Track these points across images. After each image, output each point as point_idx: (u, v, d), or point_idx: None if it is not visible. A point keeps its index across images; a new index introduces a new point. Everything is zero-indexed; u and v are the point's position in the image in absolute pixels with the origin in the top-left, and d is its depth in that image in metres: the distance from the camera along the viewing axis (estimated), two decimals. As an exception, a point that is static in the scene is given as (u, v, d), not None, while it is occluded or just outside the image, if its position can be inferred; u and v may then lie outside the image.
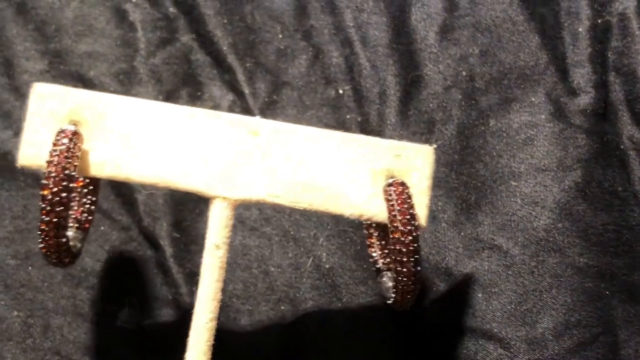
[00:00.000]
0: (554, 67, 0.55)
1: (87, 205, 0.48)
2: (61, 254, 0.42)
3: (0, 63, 0.57)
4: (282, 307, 0.51)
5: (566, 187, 0.52)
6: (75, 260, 0.45)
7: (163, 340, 0.51)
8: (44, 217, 0.40)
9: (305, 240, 0.53)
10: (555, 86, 0.55)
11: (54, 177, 0.40)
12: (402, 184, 0.42)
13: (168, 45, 0.58)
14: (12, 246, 0.52)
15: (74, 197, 0.48)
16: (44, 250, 0.42)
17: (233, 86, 0.57)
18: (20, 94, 0.56)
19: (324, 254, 0.52)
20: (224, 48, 0.57)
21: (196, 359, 0.41)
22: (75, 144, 0.41)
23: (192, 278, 0.51)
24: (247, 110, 0.55)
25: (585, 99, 0.54)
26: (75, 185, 0.48)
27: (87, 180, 0.49)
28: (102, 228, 0.53)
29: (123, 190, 0.54)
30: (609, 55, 0.56)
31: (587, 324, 0.48)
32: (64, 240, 0.42)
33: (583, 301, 0.49)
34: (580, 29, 0.56)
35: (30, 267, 0.52)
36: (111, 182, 0.53)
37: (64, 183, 0.40)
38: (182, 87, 0.57)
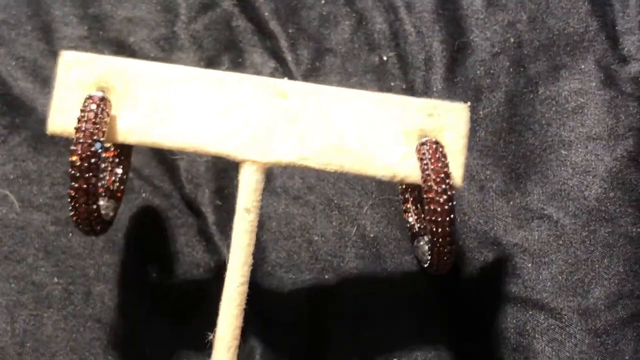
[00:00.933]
0: (603, 34, 0.54)
1: (119, 175, 0.48)
2: (92, 222, 0.42)
3: (39, 28, 0.56)
4: (326, 277, 0.50)
5: (618, 155, 0.50)
6: (108, 228, 0.45)
7: (204, 307, 0.50)
8: (73, 183, 0.40)
9: (349, 209, 0.52)
10: (605, 53, 0.54)
11: (82, 143, 0.40)
12: (436, 142, 0.41)
13: (209, 11, 0.57)
14: (52, 212, 0.52)
15: (106, 166, 0.48)
16: (74, 218, 0.41)
17: (275, 53, 0.56)
18: (60, 59, 0.55)
19: (368, 223, 0.51)
20: (266, 14, 0.56)
21: (228, 322, 0.41)
22: (103, 110, 0.41)
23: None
24: (289, 77, 0.54)
25: (636, 67, 0.53)
26: (106, 154, 0.48)
27: (119, 150, 0.49)
28: (144, 195, 0.52)
29: (165, 157, 0.53)
30: (660, 22, 0.54)
31: (640, 295, 0.47)
32: (94, 207, 0.41)
33: (636, 271, 0.48)
34: (630, -4, 0.55)
35: (70, 234, 0.51)
36: (153, 148, 0.52)
37: (92, 149, 0.40)
38: (224, 54, 0.56)
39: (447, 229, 0.40)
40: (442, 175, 0.40)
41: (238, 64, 0.56)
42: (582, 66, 0.53)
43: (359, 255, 0.51)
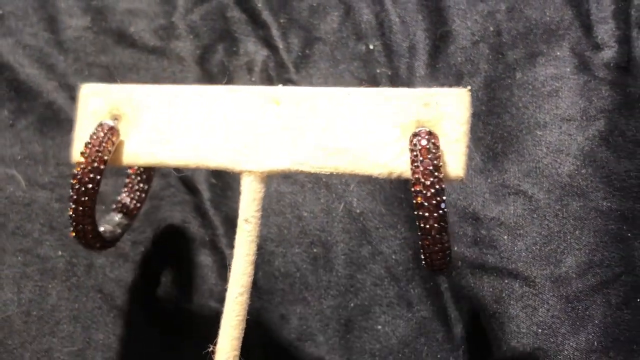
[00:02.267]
0: (578, 23, 0.57)
1: (138, 194, 0.50)
2: (89, 240, 0.44)
3: (44, 19, 0.59)
4: (314, 250, 0.53)
5: (590, 135, 0.53)
6: (110, 246, 0.47)
7: (200, 282, 0.53)
8: (71, 204, 0.42)
9: (336, 187, 0.54)
10: (579, 41, 0.56)
11: (83, 168, 0.42)
12: (429, 132, 0.39)
13: (205, 2, 0.60)
14: (57, 190, 0.55)
15: (128, 183, 0.50)
16: (73, 234, 0.44)
17: (267, 41, 0.59)
18: (64, 48, 0.58)
19: (355, 199, 0.54)
20: (259, 5, 0.59)
21: (226, 332, 0.41)
22: (108, 139, 0.42)
23: (228, 221, 0.53)
24: (281, 65, 0.57)
25: (608, 53, 0.56)
26: (130, 171, 0.50)
27: (141, 169, 0.50)
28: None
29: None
30: (632, 12, 0.57)
31: (609, 264, 0.50)
32: (89, 228, 0.43)
33: (606, 242, 0.50)
34: (604, -13, 0.58)
35: (74, 210, 0.54)
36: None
37: (91, 175, 0.42)
38: (219, 42, 0.59)
39: (436, 225, 0.38)
40: (431, 167, 0.38)
41: (232, 52, 0.59)
42: (558, 53, 0.56)
43: (345, 230, 0.54)
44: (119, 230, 0.49)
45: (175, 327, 0.52)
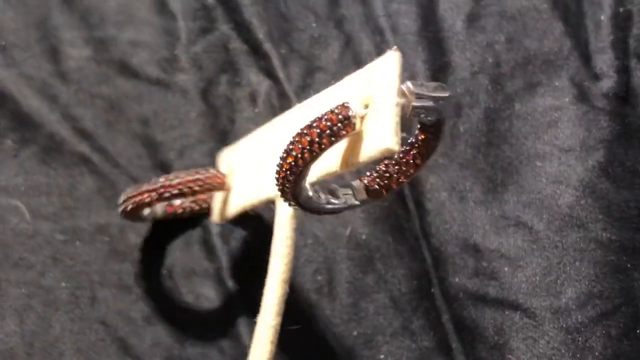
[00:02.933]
0: (577, 53, 0.58)
1: (188, 210, 0.54)
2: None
3: (47, 50, 0.60)
4: (319, 278, 0.54)
5: (589, 166, 0.54)
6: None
7: (204, 313, 0.53)
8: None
9: (343, 212, 0.55)
10: (578, 71, 0.57)
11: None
12: (343, 104, 0.37)
13: (208, 34, 0.60)
14: (60, 222, 0.55)
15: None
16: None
17: (269, 72, 0.59)
18: (67, 79, 0.59)
19: (361, 226, 0.54)
20: (260, 36, 0.60)
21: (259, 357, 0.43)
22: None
23: (235, 254, 0.54)
24: (282, 94, 0.58)
25: (607, 83, 0.57)
26: None
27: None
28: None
29: (166, 171, 0.56)
30: (630, 42, 0.58)
31: (609, 295, 0.50)
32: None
33: (605, 273, 0.51)
34: (602, 17, 0.59)
35: (77, 242, 0.54)
36: (155, 161, 0.56)
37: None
38: (222, 74, 0.59)
39: (298, 154, 0.37)
40: (329, 124, 0.36)
41: (235, 84, 0.59)
42: (557, 83, 0.57)
43: (350, 257, 0.54)
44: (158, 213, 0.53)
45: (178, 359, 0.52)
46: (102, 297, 0.53)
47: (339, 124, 0.36)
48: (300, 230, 0.54)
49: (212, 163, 0.54)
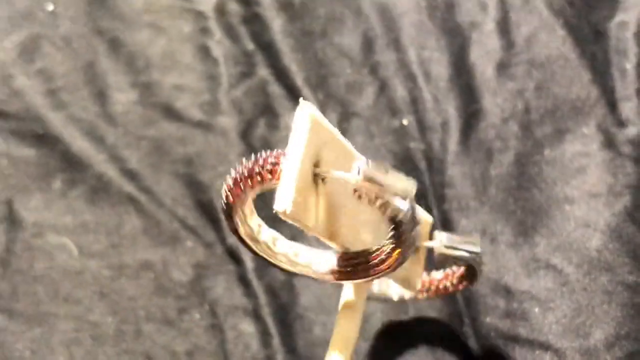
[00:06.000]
0: (603, 101, 0.60)
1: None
2: None
3: (94, 93, 0.63)
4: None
5: (616, 211, 0.55)
6: None
7: (243, 350, 0.55)
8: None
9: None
10: (605, 118, 0.59)
11: None
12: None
13: (247, 79, 0.63)
14: (107, 259, 0.57)
15: None
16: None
17: (306, 116, 0.61)
18: (113, 122, 0.62)
19: (391, 270, 0.56)
20: (298, 81, 0.62)
21: None
22: None
23: (271, 290, 0.56)
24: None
25: (633, 130, 0.59)
26: None
27: None
28: (188, 244, 0.58)
29: (208, 209, 0.58)
30: (655, 90, 0.60)
31: (636, 336, 0.52)
32: None
33: (632, 315, 0.53)
34: (627, 66, 0.61)
35: (123, 278, 0.57)
36: (197, 200, 0.58)
37: None
38: (260, 117, 0.62)
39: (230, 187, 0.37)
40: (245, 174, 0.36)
41: (274, 127, 0.62)
42: (584, 130, 0.59)
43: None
44: None
45: (219, 393, 0.55)
46: (147, 332, 0.56)
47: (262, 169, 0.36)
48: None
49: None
